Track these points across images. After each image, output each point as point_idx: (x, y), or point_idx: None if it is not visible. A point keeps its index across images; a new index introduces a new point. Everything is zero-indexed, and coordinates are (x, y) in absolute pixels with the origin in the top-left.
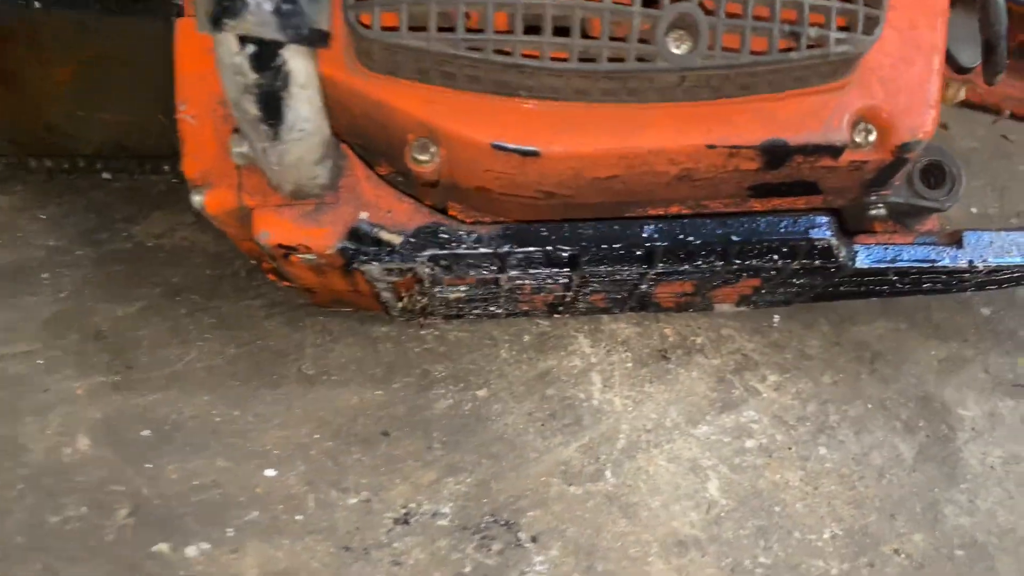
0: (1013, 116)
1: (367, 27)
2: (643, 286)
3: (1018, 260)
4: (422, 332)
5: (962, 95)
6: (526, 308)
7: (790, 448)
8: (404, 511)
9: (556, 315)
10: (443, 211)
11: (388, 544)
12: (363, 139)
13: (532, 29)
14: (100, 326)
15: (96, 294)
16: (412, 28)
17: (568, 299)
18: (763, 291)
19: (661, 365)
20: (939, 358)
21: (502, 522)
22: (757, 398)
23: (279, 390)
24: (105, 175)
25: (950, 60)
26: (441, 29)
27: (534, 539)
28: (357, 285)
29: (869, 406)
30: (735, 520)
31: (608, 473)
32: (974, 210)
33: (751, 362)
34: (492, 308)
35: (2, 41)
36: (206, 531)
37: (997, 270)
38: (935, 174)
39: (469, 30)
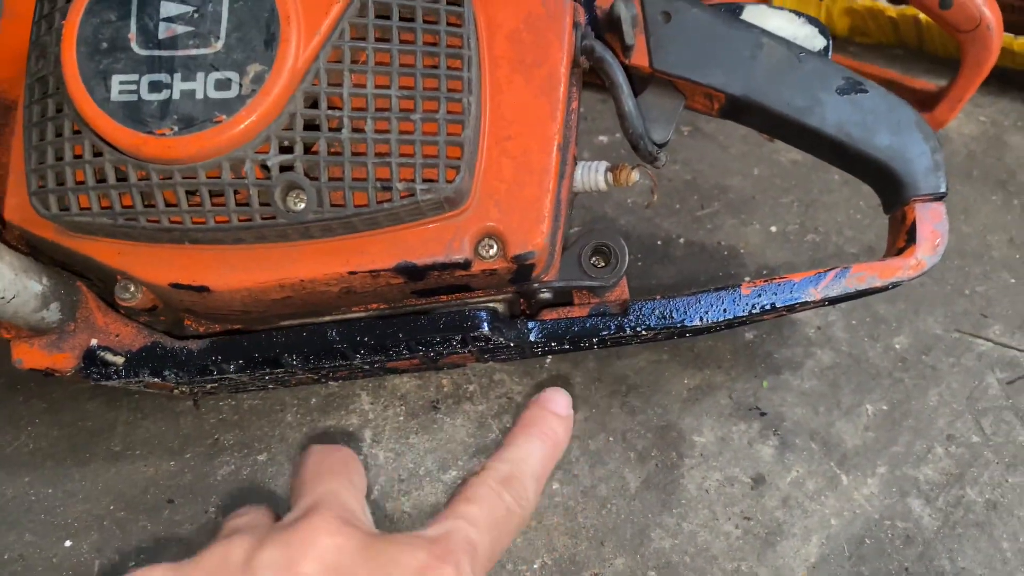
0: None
1: (46, 210)
2: (374, 366)
3: (675, 323)
4: (220, 404)
5: (635, 176)
6: (295, 384)
7: None
8: None
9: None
10: (178, 324)
11: None
12: (93, 279)
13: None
14: None
15: None
16: (83, 208)
17: (319, 378)
18: (485, 356)
19: (431, 416)
20: (690, 387)
21: None
22: None
23: (88, 467)
24: None
25: (636, 129)
26: (103, 208)
27: None
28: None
29: (611, 439)
30: None
31: None
32: (773, 229)
33: (513, 404)
34: (269, 386)
35: None
36: None
37: (664, 330)
38: (604, 253)
39: (124, 206)
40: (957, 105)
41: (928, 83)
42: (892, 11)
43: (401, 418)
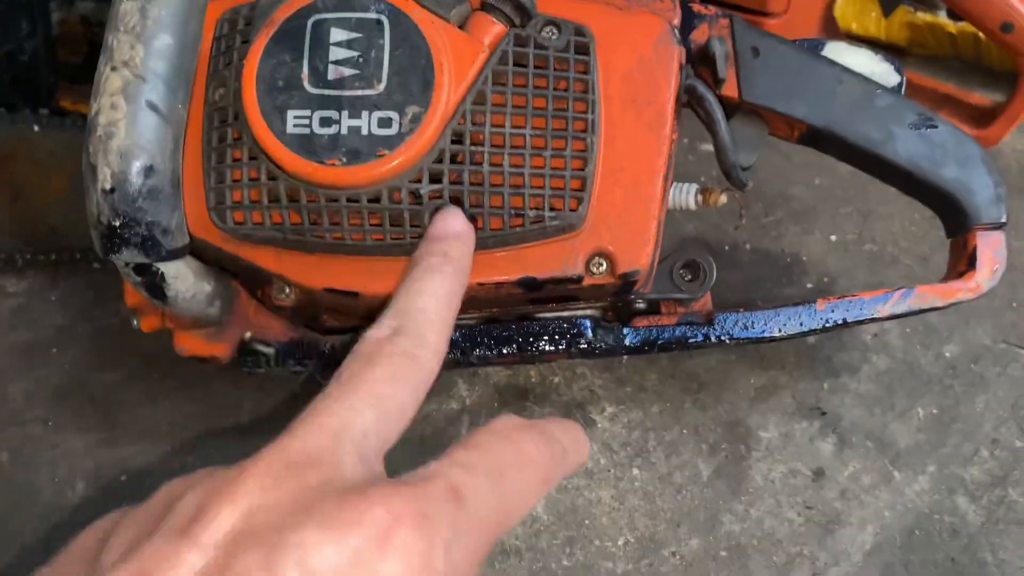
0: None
1: (223, 223)
2: (482, 361)
3: (756, 334)
4: None
5: (724, 199)
6: None
7: (609, 471)
8: None
9: None
10: (317, 318)
11: None
12: (248, 280)
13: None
14: (94, 392)
15: (92, 364)
16: (256, 223)
17: None
18: (575, 356)
19: (521, 403)
20: (756, 386)
21: None
22: (593, 428)
23: (221, 439)
24: (95, 265)
25: (731, 160)
26: (274, 224)
27: None
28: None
29: (684, 431)
30: (551, 532)
31: None
32: (833, 238)
33: (595, 396)
34: None
35: (8, 161)
36: None
37: (745, 340)
38: (693, 268)
39: (292, 223)
40: (1013, 123)
41: (983, 98)
42: (952, 27)
43: (495, 405)
